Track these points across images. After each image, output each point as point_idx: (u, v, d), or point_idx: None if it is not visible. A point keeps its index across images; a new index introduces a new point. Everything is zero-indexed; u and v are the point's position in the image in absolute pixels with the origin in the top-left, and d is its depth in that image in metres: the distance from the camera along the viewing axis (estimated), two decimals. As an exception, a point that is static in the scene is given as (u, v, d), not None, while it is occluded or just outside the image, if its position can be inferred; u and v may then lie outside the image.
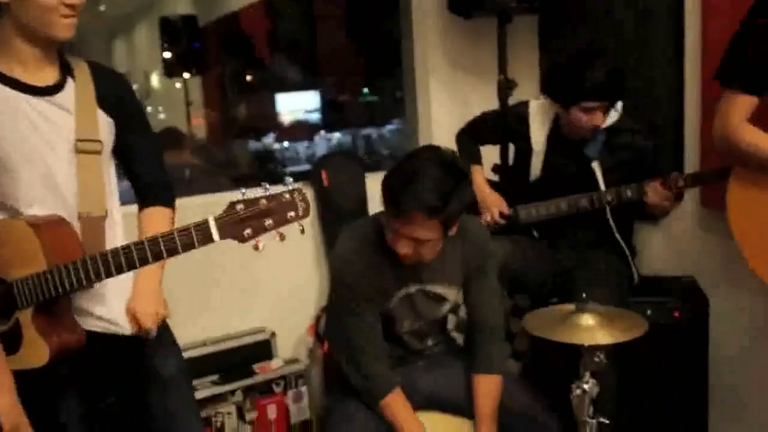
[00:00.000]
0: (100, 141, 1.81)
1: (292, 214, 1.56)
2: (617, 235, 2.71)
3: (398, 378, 2.14)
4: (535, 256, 2.76)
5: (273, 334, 3.15)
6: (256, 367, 3.03)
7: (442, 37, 3.52)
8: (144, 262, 1.61)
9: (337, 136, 9.31)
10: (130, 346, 1.90)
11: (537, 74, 3.44)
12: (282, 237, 1.57)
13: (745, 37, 1.96)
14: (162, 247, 1.59)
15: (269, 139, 7.94)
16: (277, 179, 1.63)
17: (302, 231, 1.59)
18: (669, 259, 2.99)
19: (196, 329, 3.06)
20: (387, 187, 1.90)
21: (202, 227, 1.55)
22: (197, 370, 2.93)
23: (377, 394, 2.09)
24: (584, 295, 1.92)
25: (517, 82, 3.22)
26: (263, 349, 3.12)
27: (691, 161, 2.92)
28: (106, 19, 7.27)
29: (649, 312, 2.67)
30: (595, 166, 2.65)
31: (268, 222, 1.54)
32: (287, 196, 1.56)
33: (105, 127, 1.83)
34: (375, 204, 3.31)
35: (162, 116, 7.06)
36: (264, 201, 1.54)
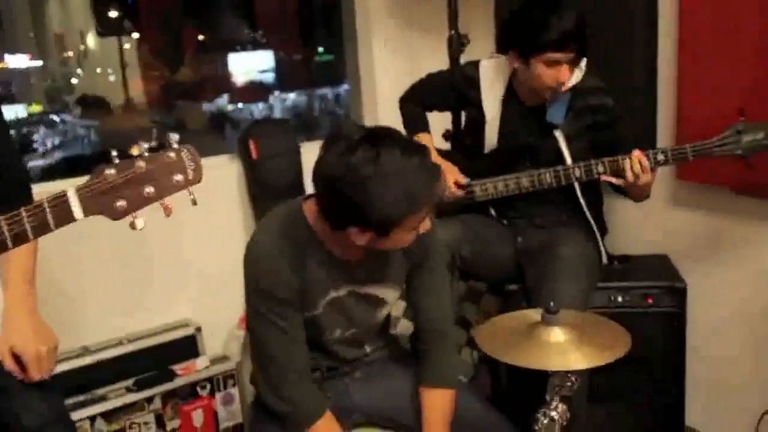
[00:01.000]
0: None
1: (179, 178, 1.23)
2: (587, 214, 2.37)
3: (327, 398, 1.80)
4: (492, 238, 2.41)
5: (198, 329, 2.78)
6: (177, 368, 2.66)
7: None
8: None
9: (292, 96, 8.97)
10: None
11: (491, 30, 3.06)
12: (168, 211, 1.24)
13: None
14: (6, 234, 1.20)
15: (223, 101, 7.61)
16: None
17: (194, 202, 1.26)
18: (640, 235, 2.68)
19: (107, 327, 2.68)
20: (377, 206, 1.48)
21: (59, 202, 1.20)
22: (109, 375, 2.58)
23: (302, 420, 1.73)
24: (552, 303, 1.55)
25: (469, 38, 2.86)
26: (188, 347, 2.75)
27: (665, 135, 2.61)
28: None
29: (619, 298, 2.38)
30: (558, 134, 2.30)
31: (148, 190, 1.21)
32: (171, 155, 1.22)
33: None
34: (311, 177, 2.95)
35: (112, 77, 6.61)
36: (141, 163, 1.20)
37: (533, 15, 2.15)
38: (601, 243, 2.40)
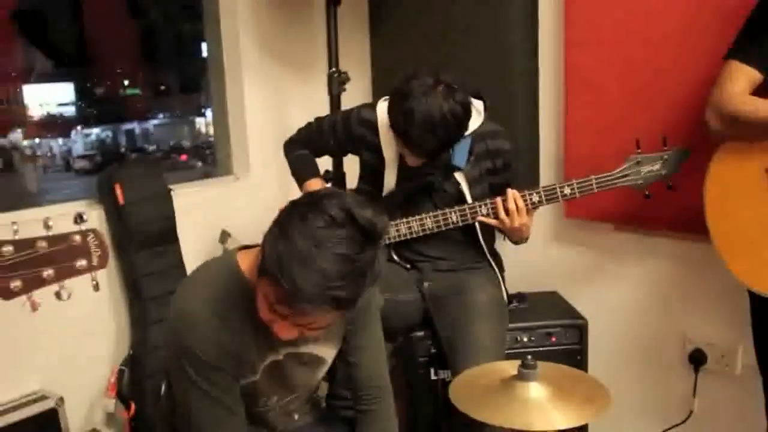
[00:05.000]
0: None
1: (83, 263, 1.22)
2: (488, 254, 2.36)
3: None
4: (398, 284, 2.32)
5: (60, 401, 2.41)
6: (39, 449, 2.28)
7: (254, 18, 2.95)
8: None
9: (96, 131, 8.47)
10: None
11: (368, 67, 3.00)
12: (97, 287, 1.27)
13: (755, 12, 1.91)
14: None
15: (16, 135, 6.96)
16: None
17: (96, 287, 1.27)
18: (528, 273, 2.71)
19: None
20: (275, 266, 1.28)
21: None
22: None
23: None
24: (530, 357, 1.49)
25: (349, 76, 2.77)
26: (48, 423, 2.36)
27: (547, 176, 2.67)
28: None
29: (524, 338, 2.38)
30: (460, 176, 2.27)
31: (48, 272, 1.19)
32: (77, 238, 1.22)
33: None
34: (185, 225, 2.70)
35: None
36: (43, 243, 1.18)
37: (400, 103, 2.05)
38: (503, 284, 2.39)
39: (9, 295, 1.17)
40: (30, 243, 1.18)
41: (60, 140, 7.91)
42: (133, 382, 2.53)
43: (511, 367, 1.50)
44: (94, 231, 1.24)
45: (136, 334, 2.60)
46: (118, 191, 2.54)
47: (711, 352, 2.46)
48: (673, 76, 2.30)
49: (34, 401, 2.38)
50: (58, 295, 1.23)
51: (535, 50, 2.65)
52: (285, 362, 1.60)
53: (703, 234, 2.04)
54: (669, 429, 2.55)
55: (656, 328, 2.56)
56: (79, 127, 8.08)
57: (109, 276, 2.62)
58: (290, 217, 1.31)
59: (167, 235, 2.64)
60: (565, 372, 1.60)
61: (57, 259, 1.19)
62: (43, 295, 2.42)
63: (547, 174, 2.68)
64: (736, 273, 1.97)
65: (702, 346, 2.47)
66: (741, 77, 1.89)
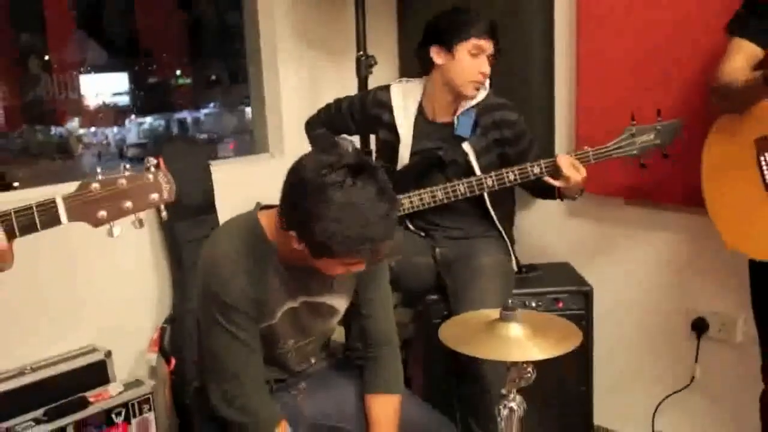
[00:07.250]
0: None
1: (155, 196, 1.44)
2: (498, 224, 2.52)
3: (280, 409, 1.81)
4: (413, 249, 2.51)
5: (108, 354, 2.66)
6: (90, 395, 2.53)
7: (290, 8, 3.15)
8: None
9: (149, 120, 8.75)
10: None
11: (395, 51, 3.18)
12: (141, 223, 1.46)
13: None
14: None
15: (74, 124, 7.30)
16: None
17: (164, 217, 1.50)
18: (542, 245, 2.87)
19: (9, 355, 2.50)
20: (350, 244, 1.53)
21: (48, 207, 1.37)
22: (16, 406, 2.40)
23: (261, 430, 1.74)
24: (510, 301, 1.67)
25: (376, 60, 2.95)
26: (97, 373, 2.61)
27: (563, 144, 2.82)
28: None
29: (533, 303, 2.53)
30: (467, 147, 2.44)
31: (127, 204, 1.41)
32: (150, 176, 1.43)
33: None
34: (223, 197, 2.92)
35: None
36: (123, 181, 1.40)
37: (458, 13, 2.36)
38: (512, 253, 2.56)
39: (97, 222, 1.39)
40: (112, 181, 1.39)
41: (115, 128, 8.24)
42: (174, 339, 2.77)
43: (496, 313, 1.68)
44: (163, 171, 1.45)
45: (177, 295, 2.84)
46: (161, 164, 2.77)
47: (713, 320, 2.58)
48: (677, 60, 2.42)
49: (86, 353, 2.64)
50: (133, 224, 1.44)
51: (552, 39, 2.80)
52: (300, 309, 1.80)
53: (707, 207, 2.17)
54: (672, 394, 2.68)
55: (662, 297, 2.69)
56: (132, 116, 8.39)
57: (152, 243, 2.87)
58: (313, 204, 1.52)
59: (206, 206, 2.87)
60: (543, 317, 1.77)
61: (135, 193, 1.41)
62: (98, 263, 2.67)
63: (561, 150, 2.81)
64: (726, 238, 2.10)
65: (705, 314, 2.59)
66: (740, 53, 1.97)
